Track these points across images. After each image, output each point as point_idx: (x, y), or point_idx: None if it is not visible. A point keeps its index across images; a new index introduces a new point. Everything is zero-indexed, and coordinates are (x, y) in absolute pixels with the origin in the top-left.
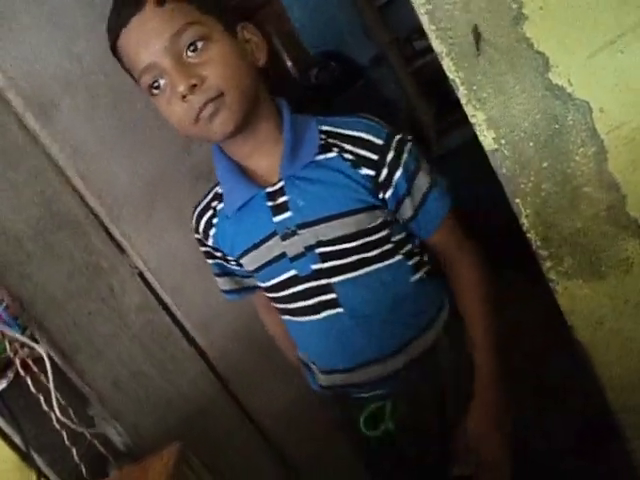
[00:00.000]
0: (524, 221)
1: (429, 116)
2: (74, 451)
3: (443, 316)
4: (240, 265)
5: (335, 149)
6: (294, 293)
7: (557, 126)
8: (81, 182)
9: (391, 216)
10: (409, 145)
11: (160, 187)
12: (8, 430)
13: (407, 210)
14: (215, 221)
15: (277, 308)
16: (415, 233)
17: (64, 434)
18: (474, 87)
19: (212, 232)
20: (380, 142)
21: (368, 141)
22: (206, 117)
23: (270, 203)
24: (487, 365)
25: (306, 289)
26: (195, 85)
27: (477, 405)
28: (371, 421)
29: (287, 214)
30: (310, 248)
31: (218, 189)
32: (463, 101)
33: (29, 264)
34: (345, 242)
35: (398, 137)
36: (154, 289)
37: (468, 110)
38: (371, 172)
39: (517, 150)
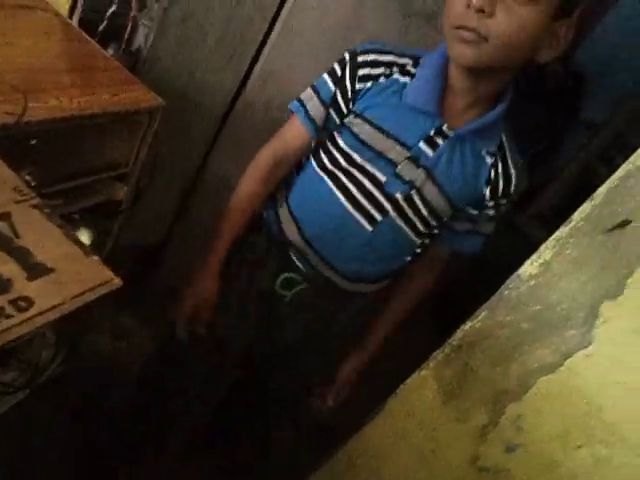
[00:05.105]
0: None
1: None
2: None
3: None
4: (341, 116)
5: (492, 159)
6: (361, 180)
7: None
8: None
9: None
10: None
11: None
12: None
13: (468, 226)
14: (381, 80)
15: (321, 160)
16: (441, 235)
17: None
18: None
19: (369, 85)
20: (512, 191)
21: (510, 182)
22: (459, 37)
23: (431, 132)
24: (383, 333)
25: (373, 192)
26: (482, 12)
27: (359, 356)
28: (286, 284)
29: (430, 153)
30: (412, 186)
31: (407, 65)
32: None
33: None
34: (431, 214)
35: (516, 193)
36: None
37: None
38: (488, 196)
39: None
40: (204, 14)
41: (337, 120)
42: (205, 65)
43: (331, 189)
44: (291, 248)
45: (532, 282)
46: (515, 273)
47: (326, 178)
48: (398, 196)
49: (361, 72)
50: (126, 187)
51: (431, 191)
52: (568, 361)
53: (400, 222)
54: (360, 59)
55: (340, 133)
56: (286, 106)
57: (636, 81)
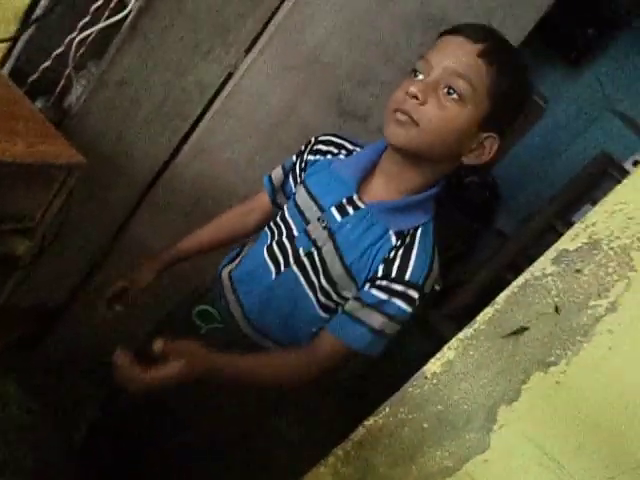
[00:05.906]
0: None
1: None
2: None
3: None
4: (295, 184)
5: (399, 242)
6: (281, 232)
7: None
8: None
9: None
10: (412, 306)
11: None
12: None
13: (353, 307)
14: (328, 156)
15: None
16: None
17: None
18: None
19: (318, 158)
20: (407, 278)
21: (407, 266)
22: (395, 118)
23: (344, 201)
24: (241, 363)
25: (285, 243)
26: (416, 99)
27: (208, 353)
28: (202, 315)
29: (338, 218)
30: (314, 244)
31: (355, 150)
32: None
33: None
34: (328, 280)
35: (418, 295)
36: None
37: None
38: (380, 273)
39: None
40: (142, 83)
41: (293, 187)
42: (137, 132)
43: (263, 239)
44: (219, 284)
45: (435, 381)
46: (420, 371)
47: (266, 230)
48: (301, 250)
49: (316, 147)
50: (28, 242)
51: (329, 252)
52: (466, 465)
53: (300, 277)
54: (320, 138)
55: (289, 199)
56: (214, 183)
57: (540, 203)
